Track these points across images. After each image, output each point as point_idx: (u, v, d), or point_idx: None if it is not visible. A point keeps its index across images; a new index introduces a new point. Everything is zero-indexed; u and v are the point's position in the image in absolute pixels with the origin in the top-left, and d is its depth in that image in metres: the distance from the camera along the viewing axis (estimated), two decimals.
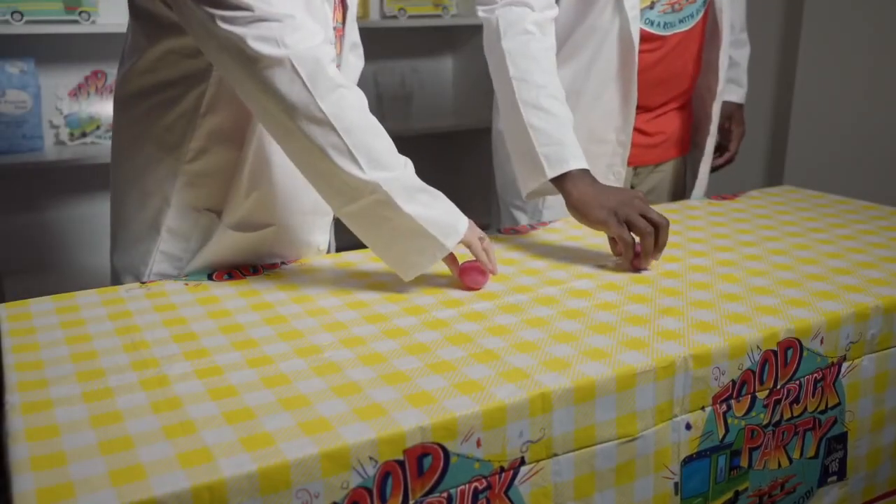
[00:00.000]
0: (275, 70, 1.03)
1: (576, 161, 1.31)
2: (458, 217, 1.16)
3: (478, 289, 1.17)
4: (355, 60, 1.45)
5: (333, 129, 1.05)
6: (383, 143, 1.11)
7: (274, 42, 1.03)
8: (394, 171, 1.10)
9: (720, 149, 1.92)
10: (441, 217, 1.13)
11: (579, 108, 1.54)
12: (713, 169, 1.87)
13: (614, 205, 1.24)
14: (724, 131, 1.92)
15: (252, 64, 1.03)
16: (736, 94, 1.92)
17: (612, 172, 1.64)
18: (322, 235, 1.35)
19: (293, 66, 1.03)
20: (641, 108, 1.63)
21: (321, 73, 1.05)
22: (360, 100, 1.11)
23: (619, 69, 1.56)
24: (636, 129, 1.64)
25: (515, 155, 1.41)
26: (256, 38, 1.02)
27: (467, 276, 1.17)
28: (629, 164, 1.67)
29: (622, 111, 1.60)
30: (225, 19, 1.02)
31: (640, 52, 1.55)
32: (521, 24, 1.41)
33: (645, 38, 1.55)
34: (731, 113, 1.91)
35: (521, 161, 1.39)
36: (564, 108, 1.39)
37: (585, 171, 1.32)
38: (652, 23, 1.56)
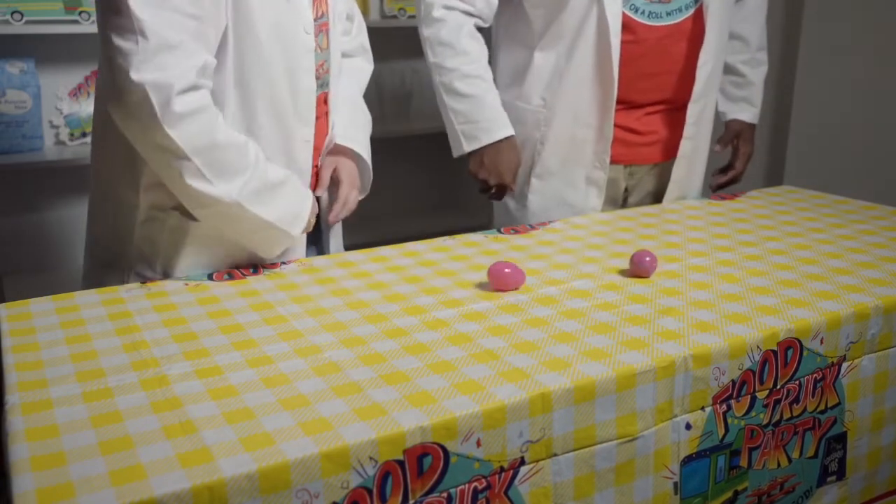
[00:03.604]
0: (130, 96, 1.07)
1: (487, 136, 1.61)
2: (302, 203, 1.26)
3: (508, 290, 1.16)
4: (364, 64, 1.48)
5: (183, 153, 1.10)
6: (231, 153, 1.15)
7: (133, 69, 1.05)
8: (244, 176, 1.16)
9: (727, 167, 1.85)
10: (285, 209, 1.23)
11: (563, 90, 1.62)
12: (718, 187, 1.83)
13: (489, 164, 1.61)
14: (731, 149, 1.86)
15: (114, 85, 1.09)
16: (748, 114, 1.85)
17: (593, 184, 1.66)
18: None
19: (147, 94, 1.06)
20: (629, 104, 1.63)
21: (171, 102, 1.07)
22: (211, 119, 1.13)
23: (597, 52, 1.57)
24: (627, 128, 1.64)
25: (447, 128, 1.66)
26: (121, 63, 1.05)
27: (497, 277, 1.17)
28: (620, 160, 1.67)
29: (603, 96, 1.60)
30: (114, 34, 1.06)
31: (625, 41, 1.56)
32: (435, 12, 1.62)
33: (629, 26, 1.56)
34: (741, 131, 1.84)
35: (449, 134, 1.67)
36: (479, 86, 1.61)
37: (499, 141, 1.60)
38: (636, 9, 1.56)
